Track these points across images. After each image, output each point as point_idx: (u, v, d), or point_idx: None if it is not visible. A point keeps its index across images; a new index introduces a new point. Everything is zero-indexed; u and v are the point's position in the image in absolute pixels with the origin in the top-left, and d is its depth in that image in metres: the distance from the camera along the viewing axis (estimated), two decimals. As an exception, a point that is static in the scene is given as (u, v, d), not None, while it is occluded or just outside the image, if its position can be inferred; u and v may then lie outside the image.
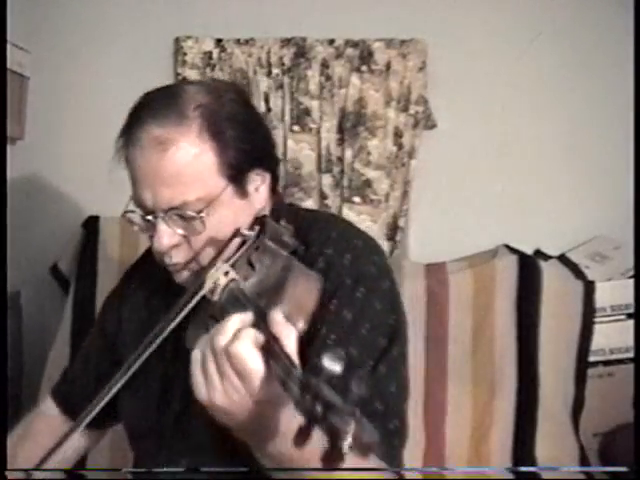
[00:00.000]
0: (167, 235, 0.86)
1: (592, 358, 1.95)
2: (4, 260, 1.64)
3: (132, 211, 0.91)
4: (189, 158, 0.84)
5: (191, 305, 0.81)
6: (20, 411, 2.05)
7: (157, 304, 1.00)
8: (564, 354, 1.93)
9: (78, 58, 2.14)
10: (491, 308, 1.94)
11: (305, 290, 0.75)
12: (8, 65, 1.88)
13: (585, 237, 2.13)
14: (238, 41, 2.10)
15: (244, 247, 0.83)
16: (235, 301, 0.76)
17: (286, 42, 2.10)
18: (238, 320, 0.70)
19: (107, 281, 2.05)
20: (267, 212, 0.94)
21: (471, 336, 1.94)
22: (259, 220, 0.89)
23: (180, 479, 0.93)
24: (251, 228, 0.87)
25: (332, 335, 0.83)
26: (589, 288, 1.95)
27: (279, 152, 2.00)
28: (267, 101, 2.10)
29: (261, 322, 0.69)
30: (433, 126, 2.12)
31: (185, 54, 2.10)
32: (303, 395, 0.55)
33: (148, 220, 0.88)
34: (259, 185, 0.92)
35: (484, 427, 1.90)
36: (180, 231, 0.87)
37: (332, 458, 0.51)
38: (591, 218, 2.13)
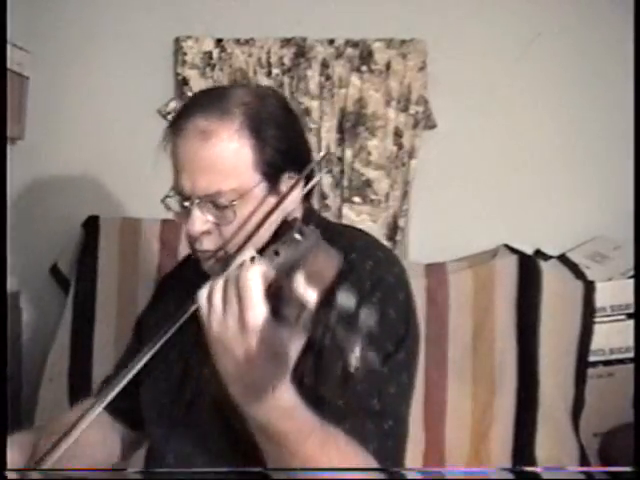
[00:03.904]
0: (200, 221, 0.92)
1: (592, 358, 1.95)
2: (4, 260, 1.64)
3: (170, 196, 0.97)
4: (228, 150, 0.90)
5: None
6: (20, 411, 2.07)
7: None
8: (564, 354, 1.93)
9: (78, 58, 2.13)
10: (491, 308, 1.94)
11: (324, 263, 0.75)
12: (8, 65, 1.88)
13: (585, 237, 2.13)
14: (238, 41, 2.10)
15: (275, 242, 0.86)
16: None
17: (286, 42, 2.10)
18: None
19: (107, 281, 2.06)
20: (299, 216, 0.97)
21: (471, 336, 1.93)
22: (289, 222, 0.90)
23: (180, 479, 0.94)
24: (279, 228, 0.90)
25: None
26: (589, 288, 1.95)
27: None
28: (267, 101, 2.10)
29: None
30: (433, 126, 2.12)
31: (185, 54, 2.10)
32: (314, 326, 0.60)
33: (185, 207, 0.94)
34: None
35: (484, 427, 1.90)
36: (211, 218, 0.92)
37: (343, 375, 0.56)
38: (591, 218, 2.13)
